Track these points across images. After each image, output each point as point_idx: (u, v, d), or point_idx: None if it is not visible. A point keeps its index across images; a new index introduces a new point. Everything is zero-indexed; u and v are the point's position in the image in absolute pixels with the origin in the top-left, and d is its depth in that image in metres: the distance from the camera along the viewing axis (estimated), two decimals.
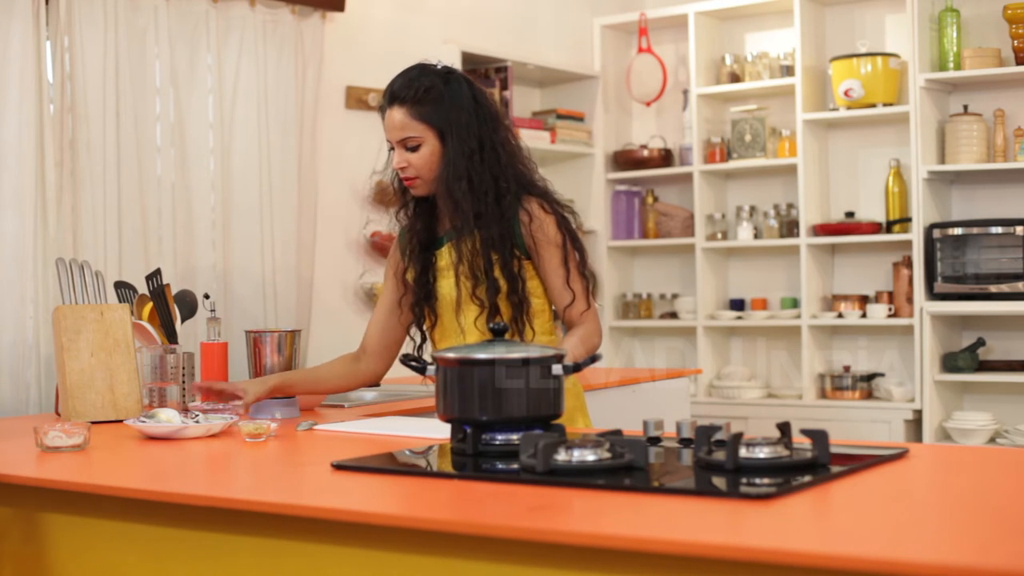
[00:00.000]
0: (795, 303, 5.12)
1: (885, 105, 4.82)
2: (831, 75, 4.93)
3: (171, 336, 3.01)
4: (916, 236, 4.70)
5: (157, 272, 3.06)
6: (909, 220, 4.79)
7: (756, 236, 5.19)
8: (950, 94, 4.85)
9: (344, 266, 4.25)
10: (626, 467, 1.73)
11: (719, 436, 1.82)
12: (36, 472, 2.03)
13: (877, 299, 4.93)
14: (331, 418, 2.66)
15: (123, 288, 3.11)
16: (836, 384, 4.92)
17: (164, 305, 3.01)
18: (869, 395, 4.91)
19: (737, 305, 5.28)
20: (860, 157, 5.09)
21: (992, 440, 4.57)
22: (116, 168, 3.48)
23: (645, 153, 5.36)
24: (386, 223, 4.24)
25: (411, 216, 2.62)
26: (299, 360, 2.86)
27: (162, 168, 3.64)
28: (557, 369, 1.98)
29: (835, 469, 1.71)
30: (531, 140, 4.82)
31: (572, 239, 2.54)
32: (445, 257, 2.57)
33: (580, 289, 2.52)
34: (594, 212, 5.33)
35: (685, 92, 5.36)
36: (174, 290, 3.17)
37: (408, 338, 2.68)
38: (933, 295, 4.67)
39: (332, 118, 4.21)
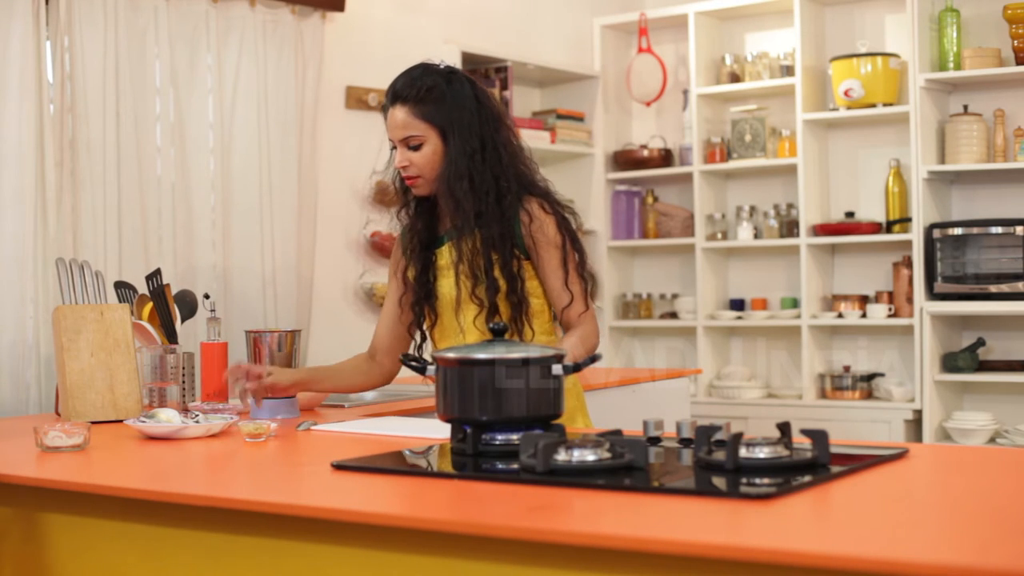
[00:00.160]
0: (795, 303, 5.12)
1: (885, 105, 4.82)
2: (831, 75, 4.93)
3: (171, 336, 3.01)
4: (916, 236, 4.70)
5: (157, 272, 3.06)
6: (909, 220, 4.79)
7: (756, 236, 5.19)
8: (950, 94, 4.85)
9: (344, 266, 4.25)
10: (626, 467, 1.73)
11: (719, 436, 1.82)
12: (36, 472, 2.03)
13: (877, 299, 4.93)
14: (331, 418, 2.66)
15: (123, 288, 3.11)
16: (836, 384, 4.92)
17: (164, 305, 3.01)
18: (869, 395, 4.91)
19: (737, 305, 5.28)
20: (860, 157, 5.09)
21: (992, 440, 4.57)
22: (116, 168, 3.48)
23: (645, 153, 5.36)
24: (386, 223, 4.25)
25: (412, 215, 2.62)
26: (299, 360, 2.86)
27: (162, 168, 3.64)
28: (557, 369, 1.98)
29: (835, 469, 1.71)
30: (531, 140, 4.81)
31: (572, 240, 2.54)
32: (445, 256, 2.57)
33: (579, 290, 2.52)
34: (594, 212, 5.33)
35: (685, 92, 5.36)
36: (174, 290, 3.17)
37: (410, 337, 2.68)
38: (933, 295, 4.67)
39: (332, 118, 4.21)
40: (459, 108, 2.48)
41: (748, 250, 5.32)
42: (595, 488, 1.64)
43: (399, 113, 2.49)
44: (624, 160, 5.39)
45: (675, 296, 5.44)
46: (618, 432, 2.02)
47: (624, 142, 5.53)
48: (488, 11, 4.93)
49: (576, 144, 5.27)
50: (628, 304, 5.50)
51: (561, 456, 1.73)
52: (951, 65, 4.69)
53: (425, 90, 2.47)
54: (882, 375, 4.92)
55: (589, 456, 1.73)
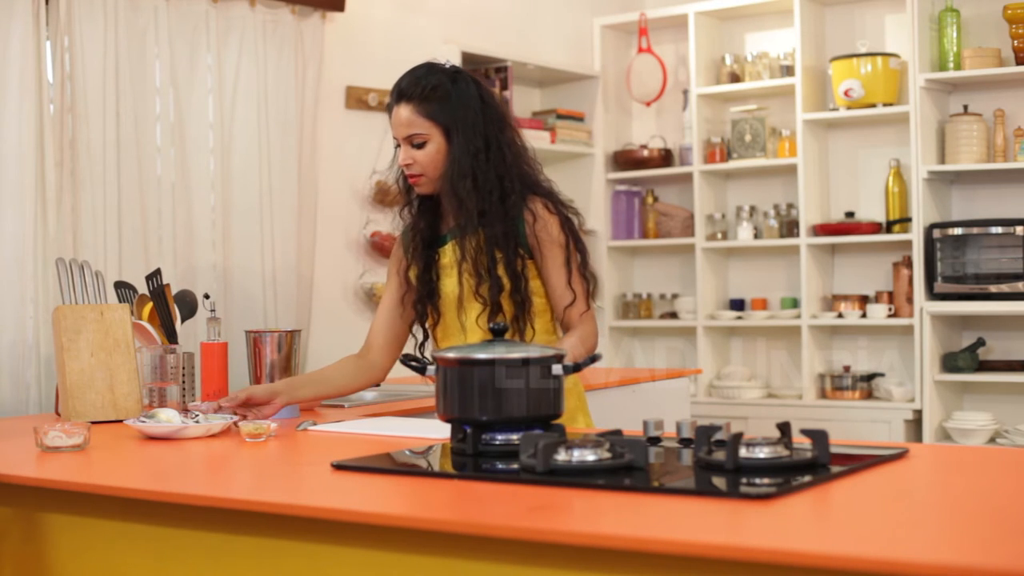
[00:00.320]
0: (795, 303, 5.12)
1: (885, 105, 4.82)
2: (831, 75, 4.93)
3: (171, 336, 3.01)
4: (916, 236, 4.70)
5: (157, 272, 3.06)
6: (909, 220, 4.79)
7: (756, 236, 5.19)
8: (950, 94, 4.85)
9: (344, 266, 4.25)
10: (626, 467, 1.73)
11: (719, 436, 1.82)
12: (36, 472, 2.03)
13: (877, 299, 4.93)
14: (331, 418, 2.66)
15: (123, 288, 3.11)
16: (836, 384, 4.92)
17: (164, 305, 3.01)
18: (869, 395, 4.91)
19: (737, 305, 5.28)
20: (860, 157, 5.09)
21: (992, 440, 4.57)
22: (116, 168, 3.48)
23: (645, 153, 5.36)
24: (386, 223, 4.26)
25: (415, 214, 2.62)
26: (299, 360, 2.86)
27: (162, 168, 3.64)
28: (557, 369, 1.98)
29: (835, 469, 1.71)
30: (531, 140, 4.78)
31: (575, 240, 2.55)
32: (448, 255, 2.57)
33: (581, 290, 2.52)
34: (594, 212, 5.33)
35: (685, 92, 5.36)
36: (174, 290, 3.17)
37: (411, 336, 2.67)
38: (933, 295, 4.67)
39: (332, 118, 4.21)
40: (463, 107, 2.49)
41: (748, 250, 5.32)
42: (595, 488, 1.64)
43: (403, 111, 2.49)
44: (624, 160, 5.39)
45: (675, 296, 5.45)
46: (618, 432, 2.02)
47: (624, 142, 5.53)
48: (488, 11, 4.93)
49: (576, 144, 5.27)
50: (628, 304, 5.50)
51: (561, 456, 1.73)
52: (951, 65, 4.69)
53: (430, 89, 2.48)
54: (882, 375, 4.92)
55: (589, 456, 1.73)
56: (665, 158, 5.37)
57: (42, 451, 2.19)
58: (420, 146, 2.50)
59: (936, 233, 4.64)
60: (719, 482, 1.66)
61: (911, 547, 1.32)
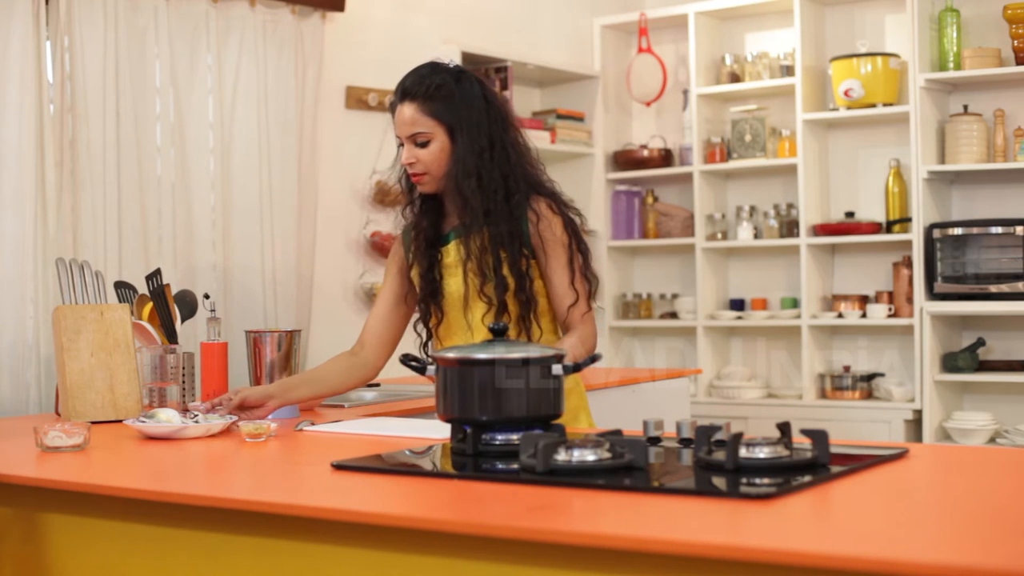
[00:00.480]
0: (795, 303, 5.12)
1: (885, 105, 4.82)
2: (831, 75, 4.93)
3: (171, 336, 3.01)
4: (916, 236, 4.70)
5: (157, 272, 3.06)
6: (909, 220, 4.79)
7: (756, 236, 5.19)
8: (950, 94, 4.85)
9: (344, 266, 4.25)
10: (626, 467, 1.73)
11: (719, 436, 1.82)
12: (36, 472, 2.03)
13: (877, 299, 4.94)
14: (330, 418, 2.66)
15: (123, 288, 3.11)
16: (836, 384, 4.92)
17: (164, 305, 3.01)
18: (869, 395, 4.91)
19: (737, 305, 5.28)
20: (860, 157, 5.09)
21: (992, 440, 4.57)
22: (116, 168, 3.48)
23: (645, 153, 5.36)
24: (386, 223, 4.26)
25: (417, 212, 2.62)
26: (299, 360, 2.86)
27: (162, 168, 3.64)
28: (557, 369, 1.98)
29: (835, 469, 1.71)
30: (531, 140, 4.81)
31: (578, 241, 2.55)
32: (452, 254, 2.57)
33: (583, 291, 2.52)
34: (594, 212, 5.33)
35: (685, 92, 5.36)
36: (174, 290, 3.17)
37: (416, 335, 2.67)
38: (933, 295, 4.67)
39: (332, 118, 4.21)
40: (468, 107, 2.49)
41: (748, 250, 5.32)
42: (595, 488, 1.64)
43: (407, 110, 2.49)
44: (624, 160, 5.39)
45: (675, 296, 5.45)
46: (618, 432, 2.02)
47: (624, 142, 5.53)
48: (488, 11, 4.93)
49: (576, 144, 5.27)
50: (628, 304, 5.50)
51: (561, 456, 1.73)
52: (951, 65, 4.69)
53: (434, 88, 2.48)
54: (882, 375, 4.92)
55: (589, 456, 1.73)
56: (665, 158, 5.37)
57: (42, 451, 2.19)
58: (424, 145, 2.50)
59: (936, 233, 4.64)
60: (719, 482, 1.66)
61: (911, 547, 1.32)
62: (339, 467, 1.89)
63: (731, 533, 1.42)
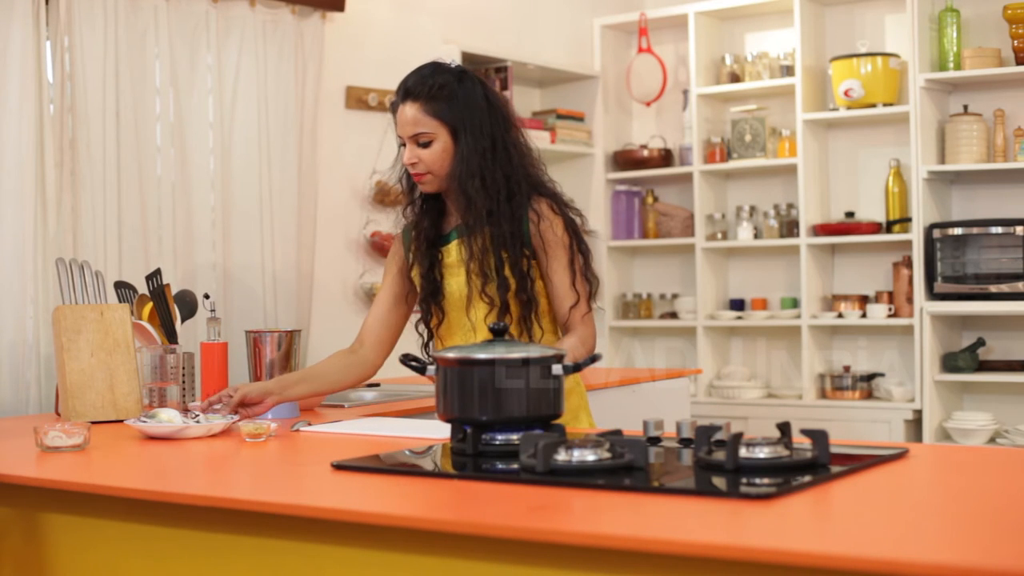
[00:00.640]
0: (795, 303, 5.12)
1: (885, 105, 4.82)
2: (831, 75, 4.93)
3: (171, 336, 3.01)
4: (916, 236, 4.70)
5: (157, 272, 3.06)
6: (909, 220, 4.79)
7: (756, 236, 5.19)
8: (950, 94, 4.85)
9: (344, 266, 4.25)
10: (626, 467, 1.73)
11: (719, 436, 1.82)
12: (36, 472, 2.03)
13: (877, 299, 4.94)
14: (330, 418, 2.66)
15: (123, 288, 3.11)
16: (836, 384, 4.92)
17: (164, 305, 3.01)
18: (869, 395, 4.91)
19: (737, 305, 5.28)
20: (860, 157, 5.09)
21: (992, 440, 4.57)
22: (116, 168, 3.48)
23: (645, 153, 5.36)
24: (386, 223, 4.26)
25: (417, 212, 2.62)
26: (299, 360, 2.86)
27: (162, 168, 3.64)
28: (557, 369, 1.98)
29: (835, 469, 1.71)
30: (531, 140, 4.82)
31: (579, 242, 2.55)
32: (453, 254, 2.57)
33: (583, 292, 2.53)
34: (594, 212, 5.33)
35: (685, 92, 5.36)
36: (174, 290, 3.17)
37: (417, 335, 2.67)
38: (933, 295, 4.67)
39: (332, 118, 4.21)
40: (470, 107, 2.49)
41: (748, 250, 5.32)
42: (595, 488, 1.64)
43: (409, 110, 2.49)
44: (624, 160, 5.39)
45: (675, 296, 5.45)
46: (618, 432, 2.02)
47: (624, 142, 5.53)
48: (488, 11, 4.93)
49: (576, 144, 5.27)
50: (628, 304, 5.50)
51: (561, 456, 1.73)
52: (951, 65, 4.69)
53: (436, 88, 2.48)
54: (882, 375, 4.92)
55: (589, 456, 1.73)
56: (665, 158, 5.37)
57: (42, 451, 2.19)
58: (426, 145, 2.50)
59: (936, 233, 4.64)
60: (719, 482, 1.66)
61: (911, 547, 1.32)
62: (339, 467, 1.89)
63: (731, 533, 1.42)
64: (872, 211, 5.02)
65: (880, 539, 1.31)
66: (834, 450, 1.78)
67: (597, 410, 2.82)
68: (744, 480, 1.64)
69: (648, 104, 5.43)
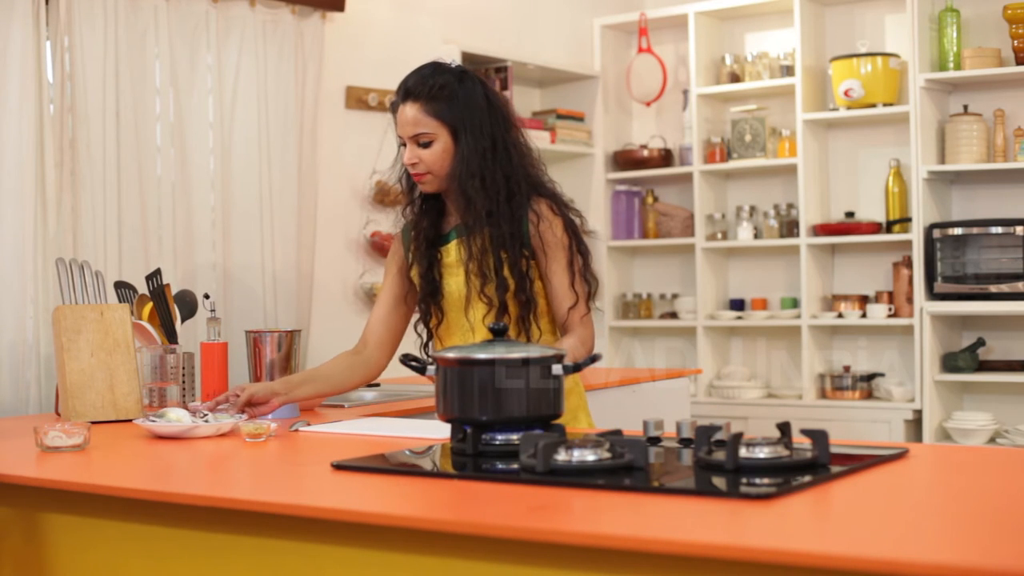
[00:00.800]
0: (795, 303, 5.12)
1: (885, 105, 4.82)
2: (831, 75, 4.93)
3: (171, 336, 3.01)
4: (916, 236, 4.70)
5: (157, 272, 3.06)
6: (909, 220, 4.79)
7: (756, 236, 5.19)
8: (950, 94, 4.85)
9: (344, 266, 4.25)
10: (626, 467, 1.73)
11: (719, 436, 1.82)
12: (36, 472, 2.03)
13: (877, 299, 4.94)
14: (330, 418, 2.66)
15: (123, 288, 3.11)
16: (836, 384, 4.92)
17: (164, 305, 3.01)
18: (869, 395, 4.91)
19: (737, 305, 5.28)
20: (860, 157, 5.09)
21: (992, 440, 4.57)
22: (116, 168, 3.48)
23: (645, 153, 5.36)
24: (386, 223, 4.26)
25: (417, 212, 2.62)
26: (299, 360, 2.86)
27: (162, 168, 3.64)
28: (557, 369, 1.98)
29: (835, 469, 1.71)
30: (531, 140, 4.81)
31: (578, 242, 2.55)
32: (452, 254, 2.57)
33: (582, 293, 2.53)
34: (594, 212, 5.33)
35: (685, 92, 5.36)
36: (174, 290, 3.17)
37: (416, 335, 2.67)
38: (933, 295, 4.67)
39: (332, 118, 4.21)
40: (470, 107, 2.49)
41: (748, 250, 5.32)
42: (595, 488, 1.64)
43: (409, 110, 2.49)
44: (624, 160, 5.39)
45: (675, 296, 5.45)
46: (618, 432, 2.02)
47: (624, 142, 5.53)
48: (488, 11, 4.93)
49: (576, 144, 5.27)
50: (628, 304, 5.50)
51: (561, 456, 1.73)
52: (951, 65, 4.69)
53: (437, 88, 2.48)
54: (882, 375, 4.92)
55: (589, 456, 1.73)
56: (665, 158, 5.37)
57: (42, 451, 2.19)
58: (426, 145, 2.50)
59: (936, 233, 4.64)
60: (719, 482, 1.66)
61: (911, 547, 1.32)
62: (339, 467, 1.89)
63: (731, 533, 1.42)
64: (872, 211, 5.02)
65: (880, 539, 1.31)
66: (834, 450, 1.78)
67: (597, 410, 2.83)
68: (744, 480, 1.64)
69: (648, 104, 5.43)
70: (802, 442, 1.78)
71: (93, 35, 3.43)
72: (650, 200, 5.47)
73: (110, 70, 3.47)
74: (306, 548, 1.72)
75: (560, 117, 5.21)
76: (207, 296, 3.05)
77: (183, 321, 3.14)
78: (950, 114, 4.78)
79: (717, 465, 1.72)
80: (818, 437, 1.75)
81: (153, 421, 2.37)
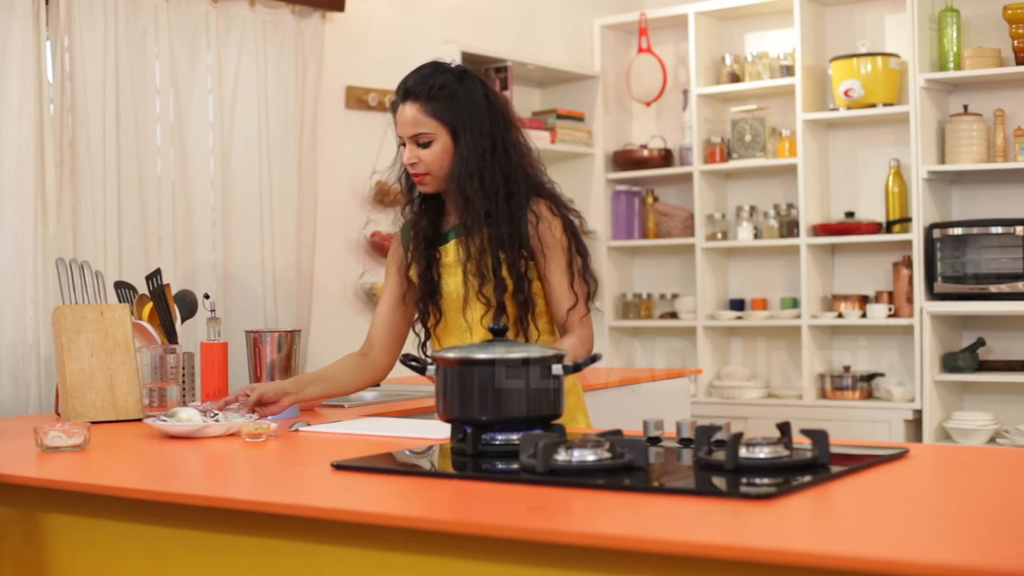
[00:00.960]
0: (795, 303, 5.12)
1: (885, 105, 4.82)
2: (831, 75, 4.93)
3: (171, 336, 3.01)
4: (916, 236, 4.70)
5: (157, 272, 3.06)
6: (909, 220, 4.79)
7: (756, 236, 5.19)
8: (950, 94, 4.85)
9: (344, 266, 4.25)
10: (626, 467, 1.73)
11: (719, 436, 1.83)
12: (36, 472, 2.03)
13: (877, 299, 4.94)
14: (330, 418, 2.66)
15: (123, 288, 3.11)
16: (836, 384, 4.92)
17: (164, 305, 3.01)
18: (869, 395, 4.91)
19: (737, 305, 5.28)
20: (860, 157, 5.09)
21: (992, 440, 4.57)
22: (116, 168, 3.48)
23: (645, 153, 5.36)
24: (386, 223, 4.26)
25: (416, 212, 2.62)
26: (299, 360, 2.86)
27: (162, 168, 3.64)
28: (557, 369, 1.98)
29: (835, 469, 1.71)
30: (531, 140, 4.81)
31: (577, 243, 2.55)
32: (450, 253, 2.57)
33: (581, 294, 2.52)
34: (594, 212, 5.33)
35: (685, 92, 5.36)
36: (174, 290, 3.17)
37: (415, 334, 2.68)
38: (933, 295, 4.67)
39: (332, 118, 4.21)
40: (470, 107, 2.49)
41: (748, 250, 5.32)
42: (595, 488, 1.64)
43: (409, 110, 2.49)
44: (624, 160, 5.39)
45: (675, 296, 5.44)
46: (618, 432, 2.02)
47: (624, 142, 5.53)
48: (488, 11, 4.93)
49: (576, 144, 5.27)
50: (628, 304, 5.50)
51: (561, 456, 1.73)
52: (951, 65, 4.69)
53: (437, 88, 2.48)
54: (882, 375, 4.92)
55: (589, 456, 1.73)
56: (665, 158, 5.37)
57: (42, 451, 2.19)
58: (426, 145, 2.50)
59: (936, 233, 4.64)
60: (719, 482, 1.66)
61: (911, 547, 1.32)
62: (339, 467, 1.89)
63: (731, 533, 1.42)
64: (872, 211, 5.02)
65: (880, 539, 1.31)
66: (834, 450, 1.78)
67: (597, 410, 2.83)
68: (744, 480, 1.64)
69: (648, 104, 5.43)
70: (802, 442, 1.78)
71: (93, 35, 3.43)
72: (650, 200, 5.47)
73: (110, 70, 3.47)
74: (306, 548, 1.72)
75: (560, 117, 5.21)
76: (207, 296, 3.05)
77: (183, 321, 3.13)
78: (950, 114, 4.78)
79: (717, 465, 1.72)
80: (818, 437, 1.75)
81: (164, 421, 2.37)
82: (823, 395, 4.97)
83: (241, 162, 3.81)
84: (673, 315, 5.40)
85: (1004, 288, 4.52)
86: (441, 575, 1.60)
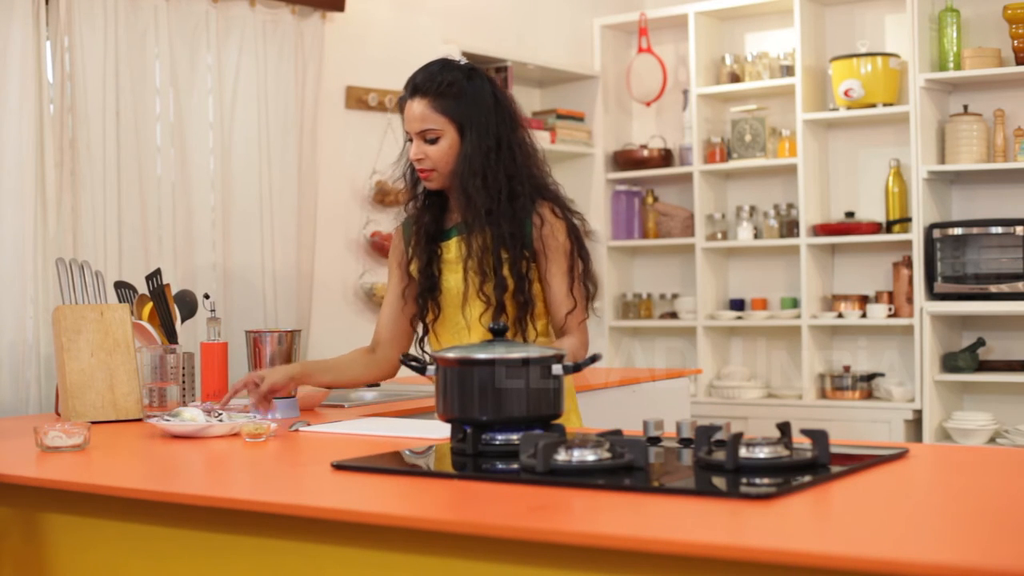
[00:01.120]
0: (795, 303, 5.12)
1: (885, 105, 4.82)
2: (831, 75, 4.93)
3: (171, 336, 3.01)
4: (916, 236, 4.70)
5: (157, 272, 3.06)
6: (909, 220, 4.79)
7: (756, 236, 5.19)
8: (950, 94, 4.85)
9: (344, 266, 4.25)
10: (626, 467, 1.73)
11: (719, 436, 1.82)
12: (36, 472, 2.03)
13: (877, 299, 4.94)
14: (330, 418, 2.66)
15: (123, 288, 3.11)
16: (836, 384, 4.92)
17: (164, 305, 3.01)
18: (869, 395, 4.91)
19: (737, 305, 5.28)
20: (860, 157, 5.09)
21: (992, 440, 4.57)
22: (116, 168, 3.48)
23: (645, 153, 5.36)
24: (386, 223, 4.26)
25: (419, 208, 2.62)
26: (299, 360, 2.85)
27: (162, 168, 3.64)
28: (557, 369, 1.98)
29: (835, 469, 1.71)
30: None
31: (579, 247, 2.55)
32: (452, 250, 2.57)
33: (580, 298, 2.53)
34: (594, 212, 5.33)
35: (685, 92, 5.36)
36: (174, 290, 3.17)
37: (413, 330, 2.68)
38: (933, 295, 4.67)
39: (332, 118, 4.21)
40: (477, 105, 2.49)
41: (748, 250, 5.32)
42: (595, 488, 1.64)
43: (417, 106, 2.50)
44: (624, 160, 5.39)
45: (675, 296, 5.44)
46: (618, 432, 2.02)
47: (624, 142, 5.53)
48: (488, 11, 4.93)
49: (576, 144, 5.27)
50: (628, 304, 5.50)
51: (561, 456, 1.73)
52: (951, 65, 4.69)
53: (445, 85, 2.48)
54: (882, 375, 4.92)
55: (589, 456, 1.73)
56: (665, 158, 5.37)
57: (42, 451, 2.19)
58: (433, 141, 2.50)
59: (936, 233, 4.64)
60: (719, 482, 1.66)
61: (911, 547, 1.32)
62: (339, 467, 1.89)
63: (731, 533, 1.42)
64: (872, 211, 5.02)
65: (880, 539, 1.31)
66: (834, 450, 1.78)
67: (597, 410, 2.83)
68: (744, 480, 1.64)
69: (648, 104, 5.43)
70: (802, 442, 1.78)
71: (93, 35, 3.43)
72: (650, 200, 5.47)
73: (110, 70, 3.47)
74: (306, 548, 1.72)
75: (560, 117, 5.21)
76: (207, 296, 3.05)
77: (183, 321, 3.14)
78: (950, 114, 4.78)
79: (717, 465, 1.72)
80: (818, 437, 1.75)
81: (167, 420, 2.37)
82: (823, 395, 4.97)
83: (241, 162, 3.81)
84: (673, 315, 5.40)
85: (1004, 288, 4.52)
86: (441, 575, 1.60)
